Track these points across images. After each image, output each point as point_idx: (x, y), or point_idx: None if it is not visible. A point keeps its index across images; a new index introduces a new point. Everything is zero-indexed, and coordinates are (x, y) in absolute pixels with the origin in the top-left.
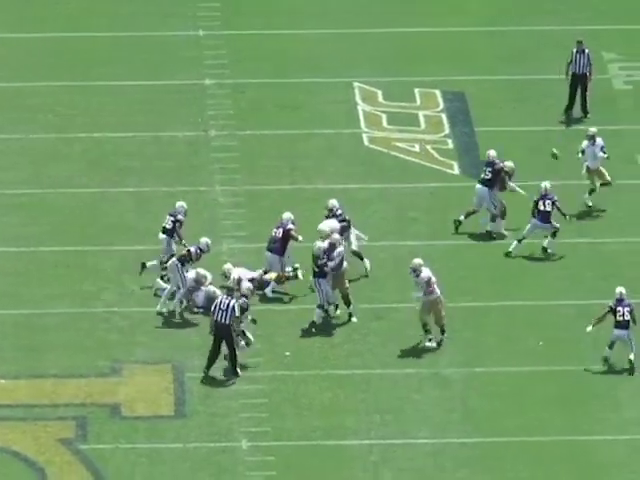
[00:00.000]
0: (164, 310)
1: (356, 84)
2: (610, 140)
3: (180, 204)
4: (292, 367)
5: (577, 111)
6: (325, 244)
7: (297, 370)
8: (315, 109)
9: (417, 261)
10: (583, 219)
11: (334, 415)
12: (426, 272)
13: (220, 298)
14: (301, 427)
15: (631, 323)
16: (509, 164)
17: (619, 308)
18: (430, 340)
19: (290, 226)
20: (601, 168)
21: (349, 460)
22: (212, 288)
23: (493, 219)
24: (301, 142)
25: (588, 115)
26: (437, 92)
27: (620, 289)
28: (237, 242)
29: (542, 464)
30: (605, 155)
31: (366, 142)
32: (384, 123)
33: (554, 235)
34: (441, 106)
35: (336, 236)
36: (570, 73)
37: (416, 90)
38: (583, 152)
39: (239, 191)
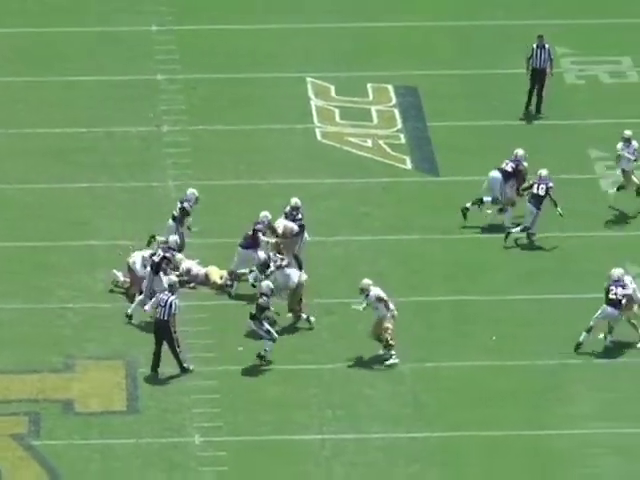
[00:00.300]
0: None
1: (309, 79)
2: (562, 135)
3: (191, 191)
4: (244, 362)
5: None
6: (263, 255)
7: (249, 365)
8: (268, 104)
9: (365, 281)
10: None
11: (286, 410)
12: (375, 291)
13: (160, 294)
14: (253, 422)
15: (623, 304)
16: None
17: (612, 287)
18: (392, 356)
19: (259, 226)
20: (633, 173)
21: (301, 455)
22: (173, 277)
23: (499, 205)
24: (253, 137)
25: (541, 111)
26: (390, 87)
27: (619, 270)
28: (190, 237)
29: (494, 459)
30: (634, 158)
31: (319, 137)
32: (337, 118)
33: (524, 230)
34: (394, 101)
35: (262, 255)
36: (530, 68)
37: (369, 85)
38: (619, 155)
39: (191, 186)
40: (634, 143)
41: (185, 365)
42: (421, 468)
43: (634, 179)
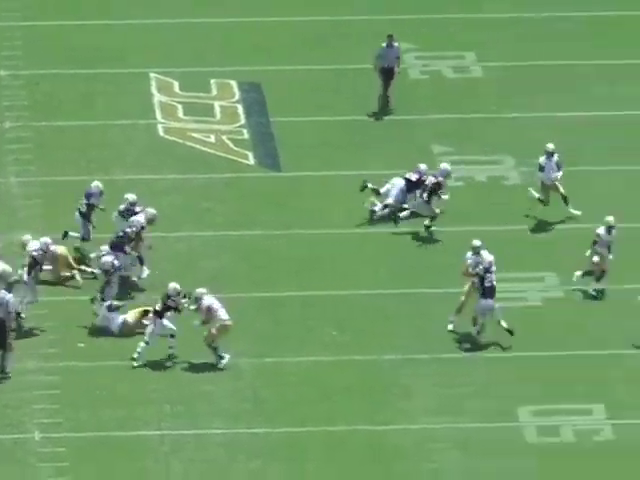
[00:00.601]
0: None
1: (152, 75)
2: (406, 130)
3: (95, 184)
4: (86, 358)
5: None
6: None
7: (91, 361)
8: (111, 100)
9: (199, 290)
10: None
11: (127, 406)
12: (208, 301)
13: None
14: (94, 418)
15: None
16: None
17: (488, 274)
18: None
19: (128, 230)
20: (557, 183)
21: (141, 451)
22: (14, 276)
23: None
24: (97, 133)
25: (389, 108)
26: (233, 83)
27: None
28: (33, 233)
29: (337, 454)
30: (560, 173)
31: (161, 133)
32: (180, 114)
33: (432, 219)
34: (237, 97)
35: (108, 258)
36: (379, 67)
37: (212, 81)
38: (542, 169)
39: (35, 182)
40: (556, 157)
41: (7, 370)
42: (262, 464)
43: (560, 188)
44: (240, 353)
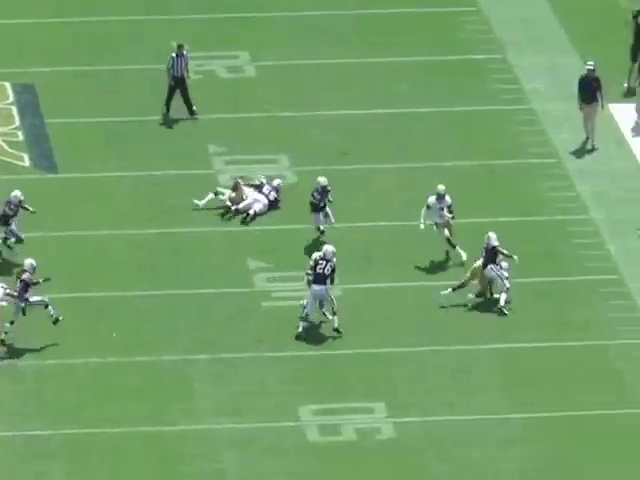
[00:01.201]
0: None
1: None
2: (182, 130)
3: (14, 194)
4: None
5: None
6: None
7: None
8: None
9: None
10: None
11: None
12: None
13: None
14: None
15: (328, 281)
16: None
17: (322, 261)
18: None
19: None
20: (450, 222)
21: None
22: None
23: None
24: None
25: (195, 113)
26: (7, 84)
27: (328, 247)
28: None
29: (119, 456)
30: (451, 215)
31: None
32: None
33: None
34: (11, 98)
35: None
36: (171, 76)
37: None
38: (429, 207)
39: None
40: (447, 198)
41: None
42: (45, 466)
43: (446, 232)
44: (20, 355)
